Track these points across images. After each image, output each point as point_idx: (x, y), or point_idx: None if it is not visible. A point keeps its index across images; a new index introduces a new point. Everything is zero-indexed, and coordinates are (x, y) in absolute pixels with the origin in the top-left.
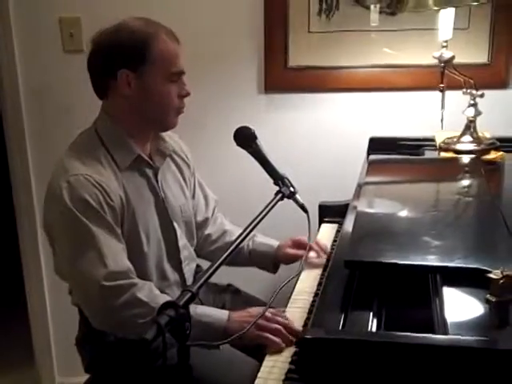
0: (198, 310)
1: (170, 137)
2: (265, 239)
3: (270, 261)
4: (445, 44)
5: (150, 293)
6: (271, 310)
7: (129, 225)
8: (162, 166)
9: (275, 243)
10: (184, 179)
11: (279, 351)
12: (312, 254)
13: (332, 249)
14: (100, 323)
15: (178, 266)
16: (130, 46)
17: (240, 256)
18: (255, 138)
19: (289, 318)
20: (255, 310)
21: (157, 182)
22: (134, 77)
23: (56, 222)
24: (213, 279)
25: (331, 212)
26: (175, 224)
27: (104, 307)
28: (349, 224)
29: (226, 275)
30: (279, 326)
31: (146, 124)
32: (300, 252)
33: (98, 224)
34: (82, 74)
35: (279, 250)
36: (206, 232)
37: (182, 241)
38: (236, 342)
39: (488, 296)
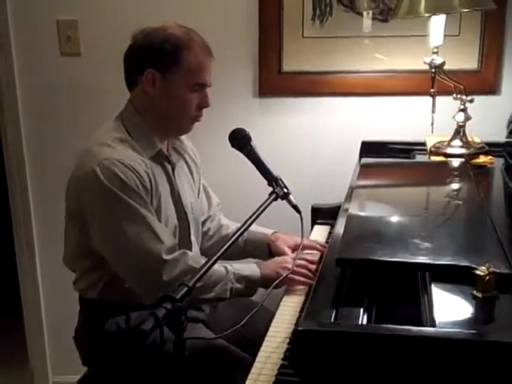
0: (236, 266)
1: (184, 138)
2: (258, 228)
3: (265, 248)
4: (436, 50)
5: (194, 258)
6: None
7: (155, 208)
8: (177, 164)
9: (269, 231)
10: (193, 179)
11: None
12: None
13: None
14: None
15: None
16: (161, 48)
17: (234, 248)
18: (250, 139)
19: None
20: (280, 259)
21: (174, 176)
22: (159, 78)
23: (95, 203)
24: None
25: (324, 214)
26: (189, 216)
27: (166, 279)
28: (340, 226)
29: None
30: (302, 270)
31: (162, 125)
32: (291, 255)
33: (139, 202)
34: (78, 77)
35: (275, 240)
36: (205, 228)
37: (193, 236)
38: (268, 284)
39: (474, 292)
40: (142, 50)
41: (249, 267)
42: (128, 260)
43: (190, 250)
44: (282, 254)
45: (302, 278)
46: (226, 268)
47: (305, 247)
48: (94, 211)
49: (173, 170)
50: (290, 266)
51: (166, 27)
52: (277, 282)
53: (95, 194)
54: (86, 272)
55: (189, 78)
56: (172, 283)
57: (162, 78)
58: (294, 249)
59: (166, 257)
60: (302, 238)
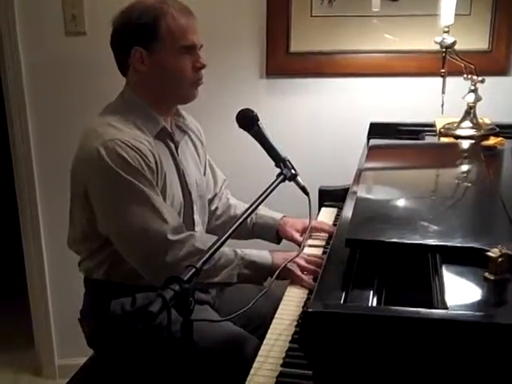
0: (246, 251)
1: (187, 115)
2: (268, 212)
3: (273, 233)
4: (446, 29)
5: (202, 240)
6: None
7: (160, 188)
8: (181, 141)
9: (278, 215)
10: (198, 156)
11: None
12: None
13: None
14: (162, 277)
15: None
16: (140, 23)
17: (243, 229)
18: (257, 120)
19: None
20: (292, 253)
21: (177, 154)
22: (146, 54)
23: (98, 184)
24: None
25: (331, 196)
26: (193, 195)
27: (170, 260)
28: (348, 208)
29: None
30: (309, 266)
31: (165, 98)
32: (299, 238)
33: (144, 182)
34: (83, 56)
35: (283, 225)
36: (213, 207)
37: (197, 215)
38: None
39: (486, 274)
40: (122, 31)
41: (260, 254)
42: (132, 240)
43: (193, 229)
44: (290, 238)
45: (308, 280)
46: (235, 252)
47: (313, 229)
48: (98, 192)
49: (176, 148)
50: (290, 258)
51: (139, 1)
52: (278, 270)
53: (99, 175)
54: (92, 253)
55: (173, 43)
56: (176, 265)
57: (149, 52)
58: (303, 231)
59: (171, 237)
60: (310, 219)
